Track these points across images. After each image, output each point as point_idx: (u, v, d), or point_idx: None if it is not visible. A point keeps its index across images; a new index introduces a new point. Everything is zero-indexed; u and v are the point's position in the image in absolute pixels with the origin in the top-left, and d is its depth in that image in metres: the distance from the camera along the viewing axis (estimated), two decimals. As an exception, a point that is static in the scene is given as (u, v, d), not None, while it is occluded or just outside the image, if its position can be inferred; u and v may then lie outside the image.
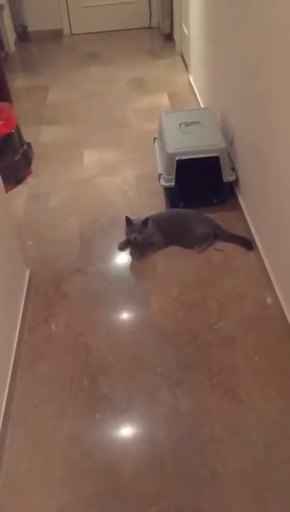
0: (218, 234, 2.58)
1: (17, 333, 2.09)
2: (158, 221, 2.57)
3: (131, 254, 2.57)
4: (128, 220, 2.47)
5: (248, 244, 2.50)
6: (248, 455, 1.63)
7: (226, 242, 2.55)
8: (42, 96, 4.48)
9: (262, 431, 1.69)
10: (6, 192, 2.33)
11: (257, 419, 1.73)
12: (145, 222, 2.47)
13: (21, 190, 3.16)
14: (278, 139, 1.98)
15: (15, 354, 2.00)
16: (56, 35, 5.99)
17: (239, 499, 1.52)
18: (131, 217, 2.48)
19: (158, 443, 1.69)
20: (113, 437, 1.74)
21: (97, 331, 2.15)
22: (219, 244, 2.55)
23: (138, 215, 2.53)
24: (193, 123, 2.98)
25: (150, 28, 6.02)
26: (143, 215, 2.51)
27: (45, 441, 1.74)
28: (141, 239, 2.47)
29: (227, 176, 2.78)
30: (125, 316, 2.27)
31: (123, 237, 2.57)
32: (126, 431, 1.77)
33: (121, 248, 2.60)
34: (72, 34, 6.08)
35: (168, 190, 2.84)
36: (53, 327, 2.18)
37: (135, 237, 2.46)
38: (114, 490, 1.58)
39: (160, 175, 2.83)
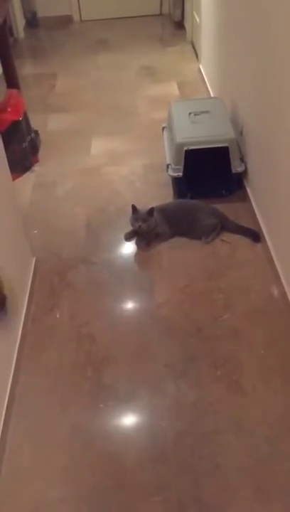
0: (225, 225, 2.55)
1: (22, 322, 2.09)
2: (165, 211, 2.54)
3: (137, 244, 2.56)
4: (134, 209, 2.46)
5: (255, 236, 2.47)
6: (251, 448, 1.62)
7: (233, 233, 2.53)
8: (50, 83, 4.44)
9: (266, 424, 1.68)
10: (13, 180, 2.31)
11: (261, 412, 1.72)
12: (150, 211, 2.45)
13: (28, 179, 3.14)
14: (287, 130, 1.94)
15: (20, 343, 2.00)
16: (66, 21, 5.92)
17: (240, 492, 1.51)
18: (137, 206, 2.46)
19: (161, 434, 1.69)
20: (116, 427, 1.74)
21: (102, 321, 2.14)
22: (227, 236, 2.52)
23: (145, 205, 2.50)
24: (203, 112, 2.94)
25: (161, 15, 5.92)
26: (151, 206, 2.49)
27: (48, 430, 1.74)
28: (146, 228, 2.45)
29: (236, 167, 2.74)
30: (130, 306, 2.26)
31: (130, 227, 2.55)
32: (129, 421, 1.77)
33: (128, 238, 2.58)
34: (81, 21, 6.00)
35: (175, 181, 2.81)
36: (58, 316, 2.17)
37: (140, 226, 2.45)
38: (116, 480, 1.58)
39: (168, 165, 2.80)
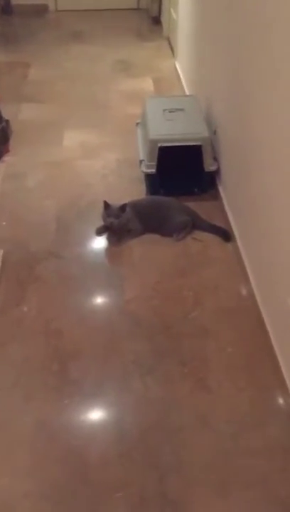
0: (197, 223, 2.56)
1: (-13, 315, 2.05)
2: (137, 207, 2.54)
3: (108, 239, 2.54)
4: (105, 205, 2.44)
5: (226, 235, 2.49)
6: (215, 444, 1.64)
7: (205, 232, 2.54)
8: (23, 72, 4.35)
9: (231, 421, 1.70)
10: (-18, 169, 2.26)
11: (226, 409, 1.74)
12: (122, 207, 2.43)
13: (-2, 169, 3.07)
14: (261, 132, 1.97)
15: (-15, 336, 1.96)
16: (41, 10, 5.81)
17: (204, 487, 1.53)
18: (109, 202, 2.44)
19: (127, 430, 1.68)
20: (81, 423, 1.72)
21: (70, 316, 2.12)
22: (198, 234, 2.53)
23: (118, 200, 2.49)
24: (177, 110, 2.94)
25: (138, 9, 5.89)
26: (123, 201, 2.47)
27: (12, 425, 1.71)
28: (118, 224, 2.44)
29: (209, 166, 2.76)
30: (99, 302, 2.24)
31: (101, 222, 2.53)
32: (95, 417, 1.76)
33: (99, 233, 2.56)
34: (57, 10, 5.90)
35: (148, 177, 2.80)
36: (25, 310, 2.14)
37: (111, 222, 2.43)
38: (81, 476, 1.57)
39: (141, 161, 2.79)
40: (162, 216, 2.55)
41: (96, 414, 1.77)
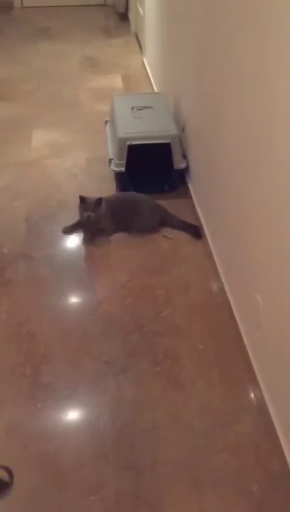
0: (167, 221, 2.57)
1: None
2: (109, 203, 2.52)
3: (84, 235, 2.51)
4: (81, 199, 2.41)
5: (197, 232, 2.51)
6: (188, 442, 1.65)
7: (175, 229, 2.55)
8: (-11, 71, 4.28)
9: (203, 418, 1.72)
10: None
11: (199, 406, 1.76)
12: (99, 201, 2.42)
13: None
14: (228, 129, 1.98)
15: None
16: (6, 6, 5.71)
17: (177, 486, 1.54)
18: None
19: (101, 432, 1.68)
20: (55, 427, 1.71)
21: (42, 318, 2.10)
22: (169, 232, 2.54)
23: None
24: (146, 107, 2.94)
25: (104, 5, 5.86)
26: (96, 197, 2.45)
27: (-16, 432, 1.69)
28: (95, 218, 2.41)
29: (178, 163, 2.77)
30: (71, 303, 2.23)
31: (70, 221, 2.51)
32: (69, 420, 1.75)
33: (67, 232, 2.54)
34: (23, 7, 5.81)
35: (118, 175, 2.79)
36: (-4, 314, 2.11)
37: (88, 216, 2.39)
38: (55, 480, 1.56)
39: (110, 159, 2.78)
40: (132, 211, 2.53)
41: (69, 417, 1.76)
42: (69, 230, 2.54)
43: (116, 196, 2.68)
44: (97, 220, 2.43)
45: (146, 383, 1.84)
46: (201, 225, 2.52)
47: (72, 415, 1.76)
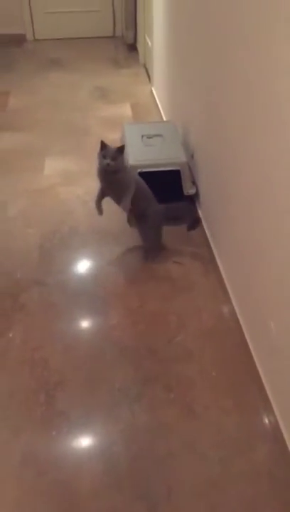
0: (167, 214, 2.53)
1: (-29, 347, 2.03)
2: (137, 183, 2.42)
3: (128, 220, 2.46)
4: (102, 145, 2.28)
5: (194, 223, 2.51)
6: (204, 471, 1.64)
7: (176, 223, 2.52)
8: (2, 101, 4.40)
9: (218, 446, 1.71)
10: None
11: (213, 434, 1.75)
12: (120, 149, 2.28)
13: (-21, 198, 3.09)
14: (237, 155, 2.02)
15: None
16: (19, 39, 5.91)
17: (194, 515, 1.52)
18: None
19: (115, 460, 1.68)
20: (69, 455, 1.71)
21: (55, 344, 2.11)
22: (179, 258, 2.57)
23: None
24: (155, 135, 3.01)
25: (114, 37, 6.04)
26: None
27: (-1, 460, 1.69)
28: (114, 166, 2.27)
29: (188, 189, 2.81)
30: (83, 329, 2.25)
31: (84, 248, 2.54)
32: (83, 448, 1.75)
33: (98, 206, 2.44)
34: (35, 39, 6.01)
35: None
36: (10, 340, 2.13)
37: (108, 164, 2.26)
38: (70, 509, 1.55)
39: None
40: (148, 202, 2.48)
41: (84, 445, 1.75)
42: (98, 204, 2.43)
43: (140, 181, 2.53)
44: (116, 171, 2.29)
45: (159, 410, 1.83)
46: (211, 250, 2.54)
47: (87, 443, 1.76)
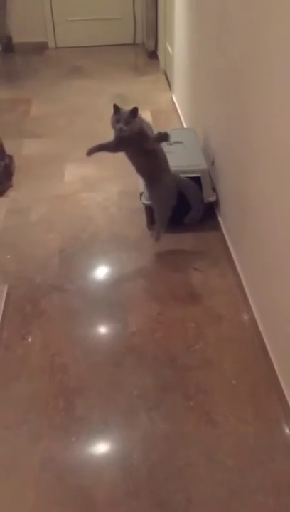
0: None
1: (-7, 351, 2.06)
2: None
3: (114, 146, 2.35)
4: (115, 108, 2.21)
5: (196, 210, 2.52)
6: (223, 481, 1.62)
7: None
8: (25, 108, 4.47)
9: (238, 456, 1.69)
10: (-14, 206, 2.31)
11: (233, 444, 1.73)
12: (133, 112, 2.19)
13: (1, 204, 3.13)
14: (258, 161, 2.01)
15: (-10, 373, 1.97)
16: (41, 47, 6.00)
17: (213, 526, 1.51)
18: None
19: (134, 467, 1.67)
20: (88, 461, 1.72)
21: (74, 350, 2.13)
22: (199, 264, 2.56)
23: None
24: (176, 142, 3.00)
25: (134, 44, 6.07)
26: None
27: (18, 464, 1.70)
28: (128, 131, 2.18)
29: (208, 197, 2.81)
30: (103, 335, 2.26)
31: (104, 254, 2.56)
32: (102, 455, 1.75)
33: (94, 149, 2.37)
34: (56, 47, 6.09)
35: (149, 209, 2.84)
36: (30, 345, 2.15)
37: (121, 129, 2.18)
38: (88, 516, 1.55)
39: (141, 193, 2.84)
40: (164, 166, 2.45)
41: (103, 452, 1.76)
42: (95, 149, 2.37)
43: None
44: (132, 133, 2.20)
45: (178, 419, 1.82)
46: (231, 258, 2.53)
47: (105, 450, 1.76)
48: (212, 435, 1.76)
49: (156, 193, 2.51)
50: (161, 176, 2.46)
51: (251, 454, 1.70)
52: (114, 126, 2.22)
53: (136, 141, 2.26)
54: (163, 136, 2.21)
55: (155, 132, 2.34)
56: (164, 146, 2.95)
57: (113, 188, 3.26)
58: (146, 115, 4.27)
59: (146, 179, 2.53)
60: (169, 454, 1.71)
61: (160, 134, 2.23)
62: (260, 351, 2.05)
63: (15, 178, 3.37)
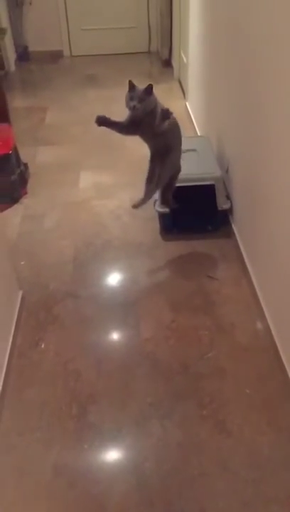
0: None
1: (7, 357, 2.07)
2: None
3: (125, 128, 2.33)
4: (130, 85, 2.16)
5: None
6: (237, 491, 1.60)
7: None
8: (40, 116, 4.52)
9: (252, 466, 1.67)
10: (1, 211, 2.33)
11: (247, 454, 1.72)
12: (148, 89, 2.13)
13: (16, 211, 3.16)
14: (273, 169, 2.01)
15: (4, 379, 1.98)
16: (56, 56, 6.07)
17: (226, 537, 1.49)
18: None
19: (146, 476, 1.67)
20: (100, 469, 1.71)
21: (87, 357, 2.13)
22: (213, 272, 2.55)
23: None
24: (190, 150, 3.01)
25: (149, 53, 6.12)
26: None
27: (31, 470, 1.71)
28: (141, 110, 2.14)
29: (222, 204, 2.80)
30: (116, 342, 2.26)
31: (117, 261, 2.56)
32: (114, 462, 1.74)
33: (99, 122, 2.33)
34: (71, 56, 6.16)
35: (162, 216, 2.85)
36: (43, 351, 2.16)
37: (134, 106, 2.14)
38: (100, 524, 1.55)
39: (155, 200, 2.85)
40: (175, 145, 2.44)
41: (115, 460, 1.75)
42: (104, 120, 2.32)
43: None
44: (146, 111, 2.16)
45: (191, 427, 1.81)
46: (245, 265, 2.52)
47: (118, 458, 1.76)
48: (225, 445, 1.75)
49: (160, 169, 2.49)
50: (170, 151, 2.43)
51: (265, 464, 1.68)
52: (127, 105, 2.18)
53: (148, 125, 2.22)
54: (165, 114, 2.18)
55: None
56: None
57: (126, 195, 3.27)
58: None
59: (157, 152, 2.46)
60: (182, 463, 1.70)
61: (162, 111, 2.20)
62: (274, 360, 2.03)
63: (30, 185, 3.40)
